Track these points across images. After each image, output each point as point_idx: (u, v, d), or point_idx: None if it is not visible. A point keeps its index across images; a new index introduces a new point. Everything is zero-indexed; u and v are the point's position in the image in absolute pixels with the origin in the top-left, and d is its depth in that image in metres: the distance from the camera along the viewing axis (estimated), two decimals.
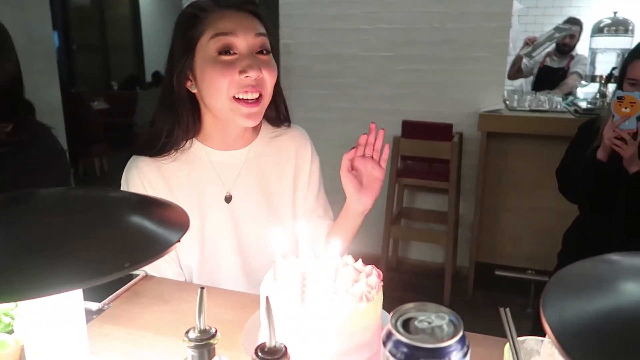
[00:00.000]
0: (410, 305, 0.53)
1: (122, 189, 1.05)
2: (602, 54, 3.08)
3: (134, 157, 1.06)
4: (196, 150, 1.07)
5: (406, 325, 0.51)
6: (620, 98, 1.52)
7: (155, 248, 0.48)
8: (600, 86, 3.01)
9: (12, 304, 0.70)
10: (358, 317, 0.66)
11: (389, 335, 0.51)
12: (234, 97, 0.97)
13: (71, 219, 0.53)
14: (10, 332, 0.68)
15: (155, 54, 7.82)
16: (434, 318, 0.51)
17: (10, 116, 1.16)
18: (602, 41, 3.08)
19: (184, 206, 0.59)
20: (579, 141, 1.72)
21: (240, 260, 1.10)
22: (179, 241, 0.49)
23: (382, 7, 3.02)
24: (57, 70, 3.61)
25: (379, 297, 0.70)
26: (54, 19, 3.59)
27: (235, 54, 0.97)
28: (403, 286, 3.02)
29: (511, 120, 2.78)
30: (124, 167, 1.07)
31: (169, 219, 0.55)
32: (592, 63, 3.17)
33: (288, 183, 1.15)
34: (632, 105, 1.51)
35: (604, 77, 2.97)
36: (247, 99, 0.98)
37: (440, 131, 2.80)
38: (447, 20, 2.92)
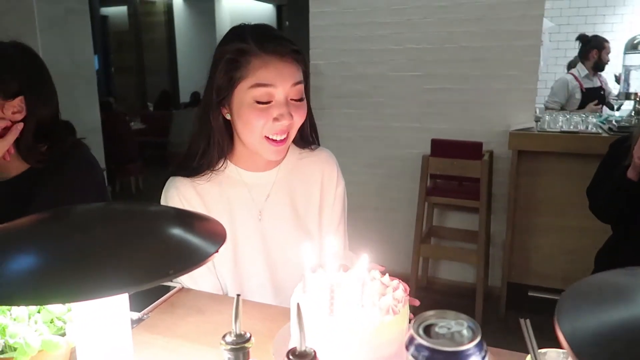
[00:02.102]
0: (431, 312, 0.56)
1: None
2: (636, 71, 3.03)
3: (171, 178, 1.12)
4: (229, 171, 1.13)
5: (427, 330, 0.55)
6: None
7: (196, 257, 0.52)
8: (635, 103, 2.96)
9: (64, 309, 0.75)
10: (384, 329, 0.68)
11: (411, 339, 0.54)
12: (265, 136, 1.05)
13: (115, 230, 0.57)
14: (63, 334, 0.73)
15: (189, 76, 8.06)
16: (454, 324, 0.54)
17: (47, 138, 1.26)
18: (635, 58, 3.03)
19: None
20: (610, 159, 1.70)
21: (269, 274, 1.15)
22: (217, 251, 0.53)
23: (410, 28, 3.06)
24: (97, 92, 3.79)
25: (405, 311, 0.72)
26: (94, 44, 3.77)
27: (272, 101, 1.03)
28: (433, 306, 2.94)
29: (542, 138, 2.75)
30: (159, 184, 1.14)
31: (206, 231, 0.59)
32: (627, 80, 3.12)
33: (315, 203, 1.20)
34: None
35: (639, 94, 2.92)
36: (275, 140, 1.05)
37: (470, 149, 2.79)
38: (476, 39, 2.94)
